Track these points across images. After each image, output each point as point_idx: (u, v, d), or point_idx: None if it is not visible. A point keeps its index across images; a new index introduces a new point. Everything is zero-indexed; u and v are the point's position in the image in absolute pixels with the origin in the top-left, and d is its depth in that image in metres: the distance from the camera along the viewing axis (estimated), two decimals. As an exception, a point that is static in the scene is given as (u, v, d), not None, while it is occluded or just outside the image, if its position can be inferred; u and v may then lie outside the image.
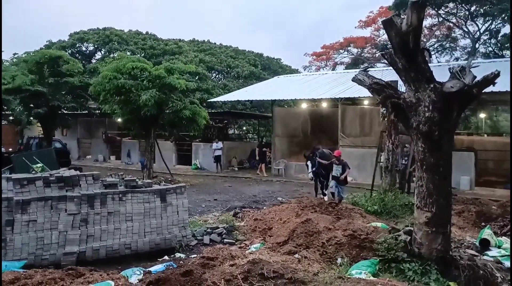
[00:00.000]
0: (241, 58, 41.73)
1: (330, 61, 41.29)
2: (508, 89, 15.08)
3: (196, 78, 31.18)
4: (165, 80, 16.50)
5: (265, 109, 34.41)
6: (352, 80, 7.29)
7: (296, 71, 43.18)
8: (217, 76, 41.28)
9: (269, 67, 43.47)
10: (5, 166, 17.28)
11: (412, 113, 6.35)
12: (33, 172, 12.44)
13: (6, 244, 7.31)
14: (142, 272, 6.36)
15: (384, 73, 19.35)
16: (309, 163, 12.74)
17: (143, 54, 34.52)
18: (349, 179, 18.89)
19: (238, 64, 39.94)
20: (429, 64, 6.57)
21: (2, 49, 26.99)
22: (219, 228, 9.76)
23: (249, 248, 8.08)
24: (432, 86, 6.19)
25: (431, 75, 6.29)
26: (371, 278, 5.84)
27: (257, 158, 23.07)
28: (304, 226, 7.75)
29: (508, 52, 32.65)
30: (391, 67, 6.69)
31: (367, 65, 22.13)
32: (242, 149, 26.70)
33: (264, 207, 12.64)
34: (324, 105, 23.66)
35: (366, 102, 21.67)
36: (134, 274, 6.22)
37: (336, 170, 12.09)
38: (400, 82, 7.49)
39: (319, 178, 13.32)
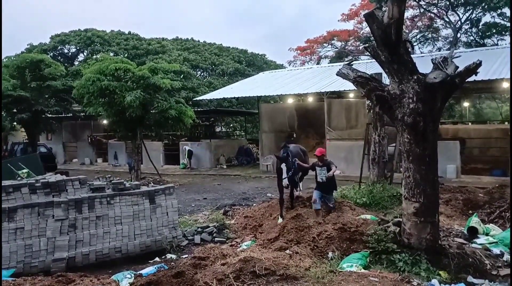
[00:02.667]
0: (225, 55, 41.60)
1: (315, 55, 41.41)
2: (490, 78, 15.30)
3: (181, 77, 31.03)
4: (150, 80, 16.37)
5: (252, 105, 34.40)
6: (337, 75, 7.31)
7: (281, 66, 43.21)
8: (202, 74, 41.09)
9: (253, 63, 43.39)
10: (-10, 173, 16.99)
11: (397, 105, 6.39)
12: (19, 178, 12.24)
13: (-7, 253, 7.19)
14: (133, 275, 6.31)
15: (368, 65, 19.46)
16: (283, 166, 9.29)
17: (126, 55, 34.20)
18: (337, 172, 19.10)
19: (222, 61, 39.80)
20: (412, 55, 6.62)
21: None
22: (209, 227, 9.74)
23: (240, 246, 8.08)
24: (415, 77, 6.24)
25: (414, 66, 6.34)
26: (363, 270, 5.89)
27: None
28: (294, 221, 7.77)
29: (489, 41, 33.10)
30: (375, 60, 6.72)
31: (351, 58, 22.25)
32: (230, 147, 26.64)
33: (254, 204, 12.65)
34: (310, 99, 23.71)
35: (351, 95, 21.77)
36: (125, 278, 6.16)
37: (320, 175, 8.94)
38: (384, 75, 7.54)
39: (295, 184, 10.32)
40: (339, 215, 8.28)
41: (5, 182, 8.58)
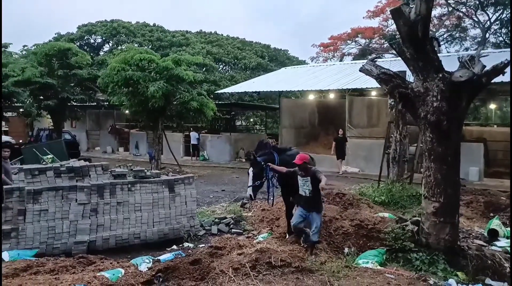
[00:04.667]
0: (248, 50, 41.62)
1: (338, 52, 41.05)
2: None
3: (203, 70, 31.20)
4: (173, 71, 16.52)
5: (273, 100, 34.37)
6: (360, 70, 7.27)
7: (303, 62, 43.02)
8: (224, 68, 41.23)
9: (276, 59, 43.32)
10: (16, 157, 17.49)
11: (420, 103, 6.34)
12: (44, 163, 12.56)
13: (18, 233, 7.44)
14: (151, 260, 6.45)
15: (392, 63, 19.22)
16: (250, 171, 7.15)
17: (150, 46, 34.56)
18: (355, 170, 19.02)
19: (245, 55, 39.83)
20: (438, 54, 6.54)
21: (11, 42, 27.20)
22: (226, 218, 9.84)
23: (257, 238, 8.14)
24: (440, 75, 6.17)
25: (439, 64, 6.27)
26: (378, 267, 5.89)
27: (332, 152, 19.04)
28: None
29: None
30: (399, 58, 6.68)
31: (375, 55, 21.94)
32: (249, 141, 26.67)
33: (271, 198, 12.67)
34: (332, 96, 23.59)
35: (373, 93, 21.56)
36: (144, 263, 6.30)
37: (303, 187, 6.75)
38: (409, 73, 7.46)
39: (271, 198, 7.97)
40: (356, 212, 8.28)
41: (31, 166, 8.84)
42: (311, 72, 25.45)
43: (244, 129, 36.42)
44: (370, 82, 17.34)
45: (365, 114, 21.51)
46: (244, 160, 24.07)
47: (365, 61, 8.19)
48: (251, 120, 41.01)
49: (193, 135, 24.61)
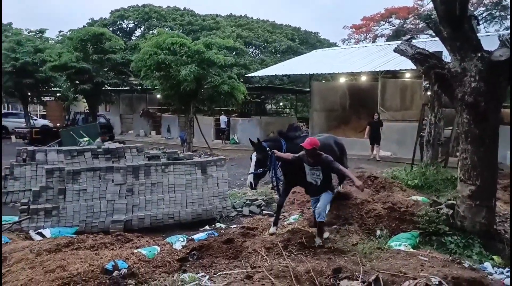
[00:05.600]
0: (278, 33, 41.27)
1: (370, 33, 40.08)
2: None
3: (234, 54, 31.19)
4: (204, 55, 16.61)
5: (303, 84, 34.08)
6: (394, 51, 7.13)
7: (334, 45, 42.29)
8: (254, 51, 41.07)
9: (306, 41, 42.78)
10: (54, 140, 18.16)
11: (457, 83, 6.17)
12: (81, 145, 13.00)
13: (59, 211, 7.78)
14: (185, 239, 6.63)
15: (428, 44, 18.65)
16: (253, 156, 6.43)
17: (181, 30, 34.74)
18: (387, 154, 18.72)
19: (275, 38, 39.52)
20: (477, 34, 6.33)
21: (46, 27, 27.94)
22: (258, 200, 9.95)
23: (288, 220, 8.20)
24: (479, 55, 5.98)
25: (478, 43, 6.07)
26: (411, 250, 5.84)
27: (365, 136, 18.24)
28: (343, 198, 7.77)
29: None
30: (435, 38, 6.54)
31: (409, 36, 21.31)
32: (279, 124, 26.56)
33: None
34: (364, 78, 23.17)
35: (407, 75, 21.04)
36: (178, 241, 6.49)
37: (312, 176, 6.08)
38: (445, 53, 7.27)
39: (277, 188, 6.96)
40: (388, 195, 8.20)
41: (70, 147, 9.18)
42: (343, 55, 25.04)
43: (274, 112, 36.33)
44: (403, 64, 16.94)
45: (398, 96, 21.04)
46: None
47: (399, 42, 8.01)
48: (281, 103, 40.86)
49: (222, 118, 24.83)
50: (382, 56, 20.87)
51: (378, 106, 19.41)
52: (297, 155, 6.13)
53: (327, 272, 4.52)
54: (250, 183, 6.35)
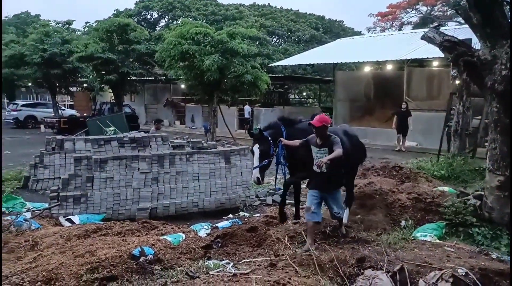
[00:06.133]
0: (302, 22, 40.88)
1: (397, 21, 39.23)
2: None
3: (257, 43, 31.09)
4: (228, 44, 16.61)
5: (326, 73, 33.74)
6: (422, 38, 6.97)
7: (359, 33, 41.63)
8: (277, 41, 40.84)
9: (330, 30, 42.26)
10: (81, 129, 18.57)
11: (487, 71, 6.01)
12: (107, 134, 13.25)
13: (87, 198, 7.99)
14: (209, 227, 6.72)
15: (456, 31, 18.11)
16: (256, 148, 5.86)
17: (204, 20, 34.81)
18: (413, 144, 18.41)
19: (299, 28, 39.17)
20: (509, 20, 6.12)
21: (73, 19, 28.42)
22: (281, 189, 9.94)
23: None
24: (510, 42, 5.78)
25: (509, 30, 5.87)
26: (437, 241, 5.77)
27: (393, 126, 17.45)
28: (367, 188, 7.71)
29: None
30: (464, 26, 6.37)
31: (437, 23, 20.75)
32: (303, 114, 26.38)
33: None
34: (389, 67, 22.76)
35: (434, 63, 20.57)
36: (203, 229, 6.58)
37: (319, 161, 5.12)
38: (475, 40, 7.06)
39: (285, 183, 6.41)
40: (414, 185, 8.10)
41: (97, 136, 9.39)
42: (368, 43, 24.64)
43: (297, 102, 36.14)
44: (431, 52, 16.52)
45: (424, 85, 20.64)
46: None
47: (426, 29, 7.82)
48: (304, 93, 40.60)
49: (246, 108, 24.86)
50: (409, 44, 20.42)
51: (404, 96, 19.07)
52: (305, 139, 5.54)
53: (351, 261, 4.52)
54: (257, 178, 5.77)
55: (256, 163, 5.82)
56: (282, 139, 5.86)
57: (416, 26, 36.69)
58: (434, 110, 18.30)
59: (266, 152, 5.82)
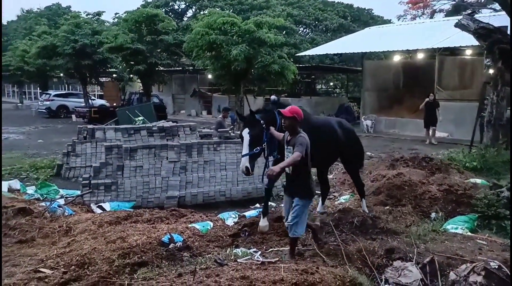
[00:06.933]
0: (329, 10, 40.21)
1: (428, 8, 38.16)
2: None
3: (284, 33, 30.85)
4: (255, 34, 16.58)
5: (354, 63, 33.23)
6: (455, 26, 6.78)
7: (388, 22, 40.70)
8: (304, 30, 40.38)
9: (359, 19, 41.43)
10: (111, 119, 18.97)
11: (525, 59, 5.79)
12: (136, 124, 13.49)
13: (117, 186, 8.18)
14: (237, 215, 6.78)
15: (491, 19, 17.31)
16: (245, 133, 5.14)
17: (231, 10, 34.74)
18: (443, 135, 17.95)
19: (326, 16, 38.56)
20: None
21: (103, 10, 28.90)
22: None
23: (338, 200, 8.16)
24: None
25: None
26: (469, 233, 5.65)
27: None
28: (396, 179, 7.60)
29: None
30: (499, 13, 6.14)
31: (471, 10, 20.07)
32: (330, 104, 26.34)
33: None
34: (420, 56, 22.22)
35: (467, 52, 19.93)
36: (230, 217, 6.65)
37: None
38: (511, 26, 6.80)
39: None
40: (445, 177, 7.93)
41: (127, 126, 9.57)
42: (397, 32, 24.12)
43: (324, 92, 35.79)
44: (464, 40, 16.00)
45: (456, 74, 20.05)
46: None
47: (459, 17, 7.59)
48: (331, 83, 40.14)
49: (272, 98, 24.74)
50: (441, 32, 19.86)
51: (435, 85, 18.61)
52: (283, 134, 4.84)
53: (379, 252, 4.48)
54: (246, 168, 5.03)
55: (245, 150, 5.04)
56: (271, 127, 5.16)
57: (449, 13, 35.57)
58: (466, 99, 17.80)
59: (257, 138, 5.05)
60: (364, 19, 41.82)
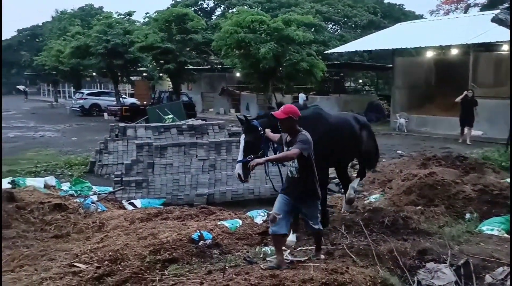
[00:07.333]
0: (359, 7, 39.68)
1: (462, 3, 37.09)
2: None
3: (312, 30, 30.65)
4: (283, 32, 16.56)
5: (384, 60, 32.66)
6: (492, 21, 6.56)
7: (420, 17, 39.80)
8: (333, 27, 40.00)
9: (390, 15, 40.74)
10: (141, 117, 19.33)
11: None
12: (166, 122, 13.69)
13: (148, 183, 8.34)
14: (266, 213, 6.79)
15: (529, 13, 16.88)
16: (241, 139, 4.92)
17: (260, 8, 34.77)
18: (478, 133, 17.40)
19: (356, 13, 38.08)
20: None
21: (134, 10, 29.43)
22: (336, 178, 9.83)
23: (368, 199, 8.05)
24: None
25: None
26: (505, 235, 5.46)
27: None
28: (428, 178, 7.42)
29: None
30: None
31: (508, 5, 19.39)
32: (359, 102, 25.96)
33: (383, 160, 12.32)
34: (454, 52, 21.61)
35: (504, 47, 19.25)
36: (259, 215, 6.68)
37: (290, 165, 4.37)
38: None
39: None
40: (479, 177, 7.69)
41: (157, 124, 9.73)
42: (430, 27, 23.50)
43: (353, 90, 35.35)
44: (501, 35, 15.46)
45: (491, 71, 19.41)
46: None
47: (496, 11, 7.34)
48: (361, 81, 39.61)
49: (301, 96, 24.57)
50: (475, 28, 19.24)
51: (469, 82, 18.07)
52: (282, 134, 4.54)
53: (411, 253, 4.39)
54: (238, 174, 4.79)
55: (240, 156, 4.83)
56: (266, 130, 4.74)
57: (484, 7, 34.47)
58: (502, 97, 17.19)
59: (251, 144, 4.76)
60: (395, 15, 41.07)
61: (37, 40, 61.15)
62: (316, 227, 4.40)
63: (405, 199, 7.06)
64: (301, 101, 24.60)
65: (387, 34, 25.15)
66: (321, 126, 5.15)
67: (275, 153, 4.88)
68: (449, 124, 17.67)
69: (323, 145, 4.96)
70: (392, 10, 42.07)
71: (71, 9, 53.00)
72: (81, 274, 4.18)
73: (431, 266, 4.09)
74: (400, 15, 41.11)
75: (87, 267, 4.36)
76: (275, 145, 4.92)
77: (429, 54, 23.01)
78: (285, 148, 4.35)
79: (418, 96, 22.50)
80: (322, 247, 4.72)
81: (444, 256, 4.28)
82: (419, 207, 6.48)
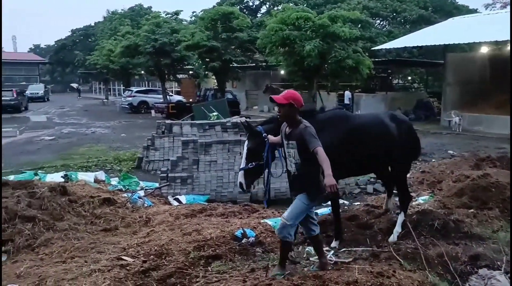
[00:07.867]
0: (408, 1, 38.39)
1: (520, -5, 35.06)
2: None
3: (359, 26, 30.02)
4: (329, 29, 16.31)
5: (435, 56, 31.47)
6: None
7: (474, 11, 38.02)
8: (381, 23, 38.96)
9: (441, 9, 39.11)
10: (187, 114, 19.70)
11: None
12: (210, 119, 13.87)
13: (193, 180, 8.48)
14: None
15: None
16: (245, 145, 4.61)
17: (305, 5, 34.45)
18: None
19: (405, 7, 36.88)
20: None
21: (181, 9, 29.96)
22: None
23: (416, 200, 7.76)
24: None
25: None
26: None
27: None
28: (482, 180, 7.06)
29: None
30: None
31: None
32: (407, 100, 25.18)
33: (433, 160, 11.89)
34: (510, 48, 20.48)
35: None
36: (302, 215, 6.58)
37: (289, 158, 4.17)
38: None
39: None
40: (538, 179, 7.23)
41: (202, 121, 9.86)
42: (485, 22, 22.38)
43: (401, 87, 34.31)
44: None
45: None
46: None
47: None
48: (409, 78, 38.38)
49: (346, 94, 24.18)
50: (535, 21, 18.15)
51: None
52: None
53: (462, 258, 4.19)
54: (240, 183, 4.48)
55: (242, 164, 4.52)
56: (269, 136, 4.33)
57: (544, 0, 32.42)
58: None
59: (254, 151, 4.42)
60: (447, 9, 39.37)
61: (89, 40, 63.67)
62: (289, 222, 4.04)
63: (456, 202, 6.75)
64: (346, 99, 24.22)
65: (438, 29, 24.21)
66: (344, 129, 4.91)
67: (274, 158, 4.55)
68: (504, 123, 16.77)
69: (345, 146, 4.81)
70: (444, 4, 40.35)
71: (122, 10, 54.81)
72: (128, 268, 4.29)
73: (484, 272, 3.89)
74: (452, 9, 39.37)
75: (133, 261, 4.48)
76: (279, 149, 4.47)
77: (484, 49, 21.95)
78: (285, 142, 4.05)
79: (471, 93, 21.53)
80: (368, 248, 4.60)
81: (498, 263, 4.06)
82: (472, 210, 6.18)
